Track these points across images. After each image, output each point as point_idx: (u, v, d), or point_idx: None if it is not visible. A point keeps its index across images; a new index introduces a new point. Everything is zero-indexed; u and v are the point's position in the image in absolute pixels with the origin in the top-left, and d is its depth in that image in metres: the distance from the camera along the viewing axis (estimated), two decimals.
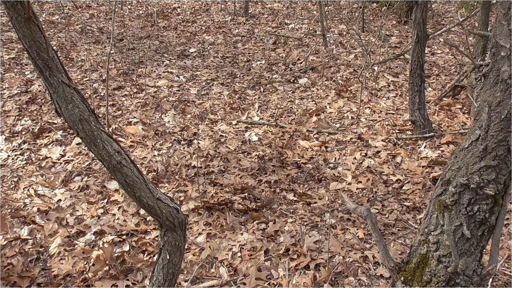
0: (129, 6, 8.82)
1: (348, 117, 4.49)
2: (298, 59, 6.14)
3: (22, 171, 3.46)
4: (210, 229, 2.86)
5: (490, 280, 2.35)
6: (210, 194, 3.17)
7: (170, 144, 3.92)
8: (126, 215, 2.98)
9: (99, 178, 3.36)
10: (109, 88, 4.82)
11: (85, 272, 2.46)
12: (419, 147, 3.83)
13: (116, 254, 2.58)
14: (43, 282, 2.44)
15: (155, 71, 5.63)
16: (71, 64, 5.60)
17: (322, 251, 2.66)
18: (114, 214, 2.99)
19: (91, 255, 2.59)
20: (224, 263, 2.59)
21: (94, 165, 3.53)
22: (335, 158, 3.72)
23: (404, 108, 4.62)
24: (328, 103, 4.81)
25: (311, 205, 3.13)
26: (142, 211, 2.98)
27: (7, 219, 2.85)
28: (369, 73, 5.42)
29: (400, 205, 3.13)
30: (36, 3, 8.18)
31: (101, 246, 2.67)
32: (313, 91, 5.18)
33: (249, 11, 8.54)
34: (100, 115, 4.28)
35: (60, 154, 3.67)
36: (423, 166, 3.53)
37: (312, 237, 2.79)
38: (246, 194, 3.20)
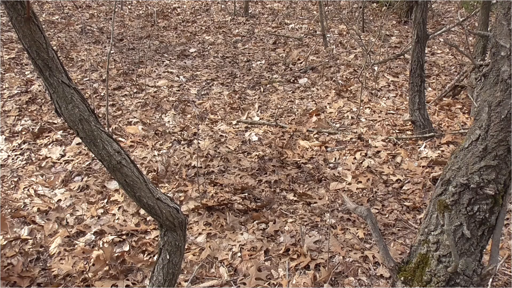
0: (129, 6, 8.82)
1: (348, 117, 4.49)
2: (298, 59, 6.14)
3: (22, 171, 3.46)
4: (210, 229, 2.86)
5: (490, 280, 2.35)
6: (210, 194, 3.17)
7: (170, 144, 3.92)
8: (126, 215, 2.98)
9: (99, 178, 3.36)
10: (109, 88, 4.82)
11: (85, 272, 2.46)
12: (419, 147, 3.83)
13: (116, 254, 2.58)
14: (43, 282, 2.44)
15: (155, 71, 5.63)
16: (71, 64, 5.60)
17: (322, 251, 2.66)
18: (114, 214, 2.99)
19: (91, 255, 2.59)
20: (224, 263, 2.59)
21: (94, 165, 3.53)
22: (335, 158, 3.72)
23: (404, 108, 4.62)
24: (328, 103, 4.81)
25: (311, 205, 3.13)
26: (142, 211, 2.98)
27: (7, 219, 2.85)
28: (369, 73, 5.42)
29: (400, 205, 3.13)
30: (36, 3, 8.18)
31: (101, 246, 2.67)
32: (313, 91, 5.18)
33: (249, 11, 8.54)
34: (100, 115, 4.28)
35: (60, 154, 3.67)
36: (423, 166, 3.53)
37: (312, 237, 2.79)
38: (246, 194, 3.20)
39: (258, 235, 2.81)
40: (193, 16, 8.39)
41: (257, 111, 4.68)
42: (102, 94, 4.83)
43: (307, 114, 4.55)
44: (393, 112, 4.59)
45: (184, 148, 3.87)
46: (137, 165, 1.87)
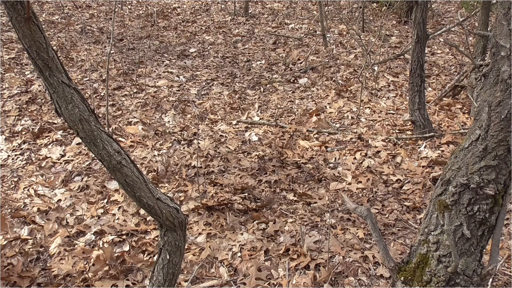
0: (129, 6, 8.82)
1: (348, 117, 4.49)
2: (298, 59, 6.14)
3: (22, 171, 3.46)
4: (210, 229, 2.86)
5: (490, 280, 2.35)
6: (210, 194, 3.17)
7: (170, 144, 3.92)
8: (126, 215, 2.98)
9: (99, 178, 3.36)
10: (109, 88, 4.81)
11: (85, 272, 2.46)
12: (419, 147, 3.83)
13: (116, 254, 2.58)
14: (43, 282, 2.44)
15: (155, 71, 5.63)
16: (71, 64, 5.60)
17: (322, 251, 2.66)
18: (114, 214, 2.99)
19: (91, 255, 2.59)
20: (224, 263, 2.59)
21: (94, 165, 3.53)
22: (335, 158, 3.72)
23: (404, 108, 4.62)
24: (328, 103, 4.81)
25: (311, 205, 3.13)
26: (142, 211, 2.98)
27: (7, 219, 2.85)
28: (369, 73, 5.42)
29: (400, 205, 3.13)
30: (36, 3, 8.18)
31: (101, 246, 2.67)
32: (313, 91, 5.18)
33: (249, 11, 8.54)
34: (100, 115, 4.28)
35: (60, 154, 3.67)
36: (423, 166, 3.53)
37: (312, 237, 2.79)
38: (246, 194, 3.20)
39: (258, 235, 2.81)
40: (193, 16, 8.39)
41: (257, 111, 4.68)
42: (102, 94, 4.83)
43: (307, 114, 4.55)
44: (393, 112, 4.59)
45: (184, 148, 3.87)
46: (137, 165, 1.87)
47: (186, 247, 2.30)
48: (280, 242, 2.77)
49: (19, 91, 4.70)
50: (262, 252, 2.66)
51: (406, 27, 7.54)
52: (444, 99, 4.75)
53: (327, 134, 4.13)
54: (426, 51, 4.26)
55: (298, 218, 2.98)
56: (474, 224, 1.59)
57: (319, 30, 7.02)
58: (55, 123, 4.12)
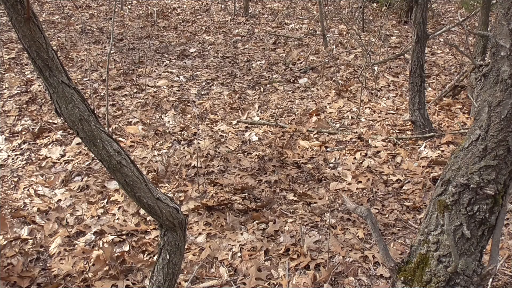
0: (129, 6, 8.82)
1: (348, 117, 4.49)
2: (298, 59, 6.14)
3: (22, 171, 3.46)
4: (210, 229, 2.86)
5: (490, 280, 2.35)
6: (210, 194, 3.17)
7: (170, 144, 3.92)
8: (126, 215, 2.98)
9: (99, 178, 3.36)
10: (109, 88, 4.81)
11: (85, 272, 2.46)
12: (419, 147, 3.83)
13: (116, 254, 2.58)
14: (43, 282, 2.44)
15: (155, 71, 5.63)
16: (71, 64, 5.60)
17: (322, 251, 2.66)
18: (114, 214, 2.99)
19: (91, 255, 2.59)
20: (224, 263, 2.59)
21: (94, 165, 3.53)
22: (335, 158, 3.72)
23: (404, 108, 4.62)
24: (328, 103, 4.81)
25: (311, 205, 3.13)
26: (142, 211, 2.98)
27: (7, 219, 2.85)
28: (369, 73, 5.42)
29: (400, 205, 3.13)
30: (36, 3, 8.18)
31: (101, 246, 2.67)
32: (313, 91, 5.18)
33: (249, 11, 8.54)
34: (100, 115, 4.28)
35: (60, 154, 3.67)
36: (423, 166, 3.53)
37: (312, 237, 2.79)
38: (246, 194, 3.20)
39: (258, 235, 2.81)
40: (193, 16, 8.39)
41: (257, 111, 4.67)
42: (102, 94, 4.82)
43: (307, 114, 4.55)
44: (393, 112, 4.59)
45: (184, 148, 3.87)
46: (137, 165, 1.87)
47: (186, 247, 2.30)
48: (280, 242, 2.77)
49: (19, 91, 4.70)
50: (262, 252, 2.66)
51: (406, 27, 7.54)
52: (444, 99, 4.75)
53: (327, 134, 4.13)
54: (426, 51, 4.26)
55: (298, 218, 2.97)
56: (474, 224, 1.59)
57: (319, 30, 7.01)
58: (55, 123, 4.12)
